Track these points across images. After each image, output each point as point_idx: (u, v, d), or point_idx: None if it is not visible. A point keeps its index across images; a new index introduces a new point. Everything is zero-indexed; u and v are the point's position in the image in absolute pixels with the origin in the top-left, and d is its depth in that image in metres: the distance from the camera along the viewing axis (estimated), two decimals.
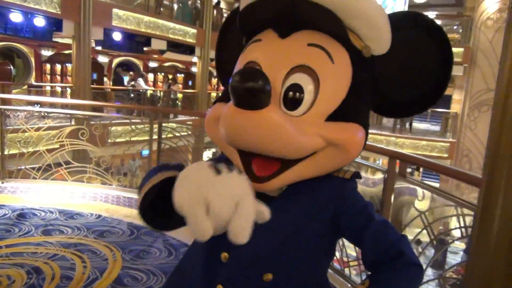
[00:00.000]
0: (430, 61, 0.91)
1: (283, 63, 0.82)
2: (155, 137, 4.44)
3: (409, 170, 15.72)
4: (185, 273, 0.99)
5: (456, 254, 7.90)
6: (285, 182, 0.85)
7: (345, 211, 0.85)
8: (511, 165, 1.34)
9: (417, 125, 17.07)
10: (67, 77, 15.23)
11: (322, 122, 0.82)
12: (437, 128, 16.33)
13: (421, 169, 12.84)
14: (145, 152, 4.51)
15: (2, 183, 4.49)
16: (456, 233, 2.14)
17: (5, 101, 4.66)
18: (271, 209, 0.79)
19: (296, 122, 0.80)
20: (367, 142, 0.95)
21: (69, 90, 11.99)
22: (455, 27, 17.25)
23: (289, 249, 0.86)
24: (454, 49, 12.74)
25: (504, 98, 1.39)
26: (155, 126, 4.42)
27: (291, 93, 0.82)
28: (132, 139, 5.25)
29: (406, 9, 9.11)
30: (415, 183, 2.36)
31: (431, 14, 16.99)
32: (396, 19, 0.89)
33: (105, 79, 15.77)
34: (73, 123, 5.93)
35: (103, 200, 4.20)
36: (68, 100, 5.42)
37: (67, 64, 14.98)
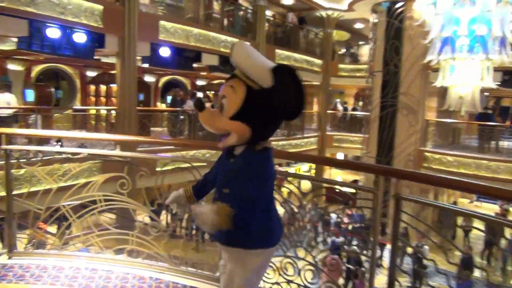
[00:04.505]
0: (294, 89, 1.61)
1: (221, 93, 1.68)
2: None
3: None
4: None
5: None
6: (224, 145, 1.71)
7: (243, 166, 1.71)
8: None
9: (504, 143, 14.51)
10: (112, 98, 14.30)
11: (227, 119, 1.64)
12: None
13: None
14: None
15: (9, 258, 3.06)
16: None
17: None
18: (236, 157, 1.72)
19: (211, 116, 1.69)
20: None
21: (114, 113, 10.86)
22: None
23: (234, 177, 1.70)
24: None
25: None
26: None
27: (220, 106, 1.68)
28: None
29: None
30: None
31: None
32: (274, 68, 1.61)
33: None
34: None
35: None
36: (96, 135, 4.05)
37: (112, 85, 14.07)
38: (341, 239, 8.57)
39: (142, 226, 3.04)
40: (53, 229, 5.83)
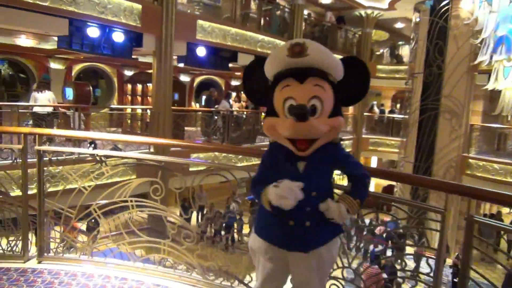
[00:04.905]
0: (358, 79, 1.75)
1: (306, 96, 1.62)
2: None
3: None
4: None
5: None
6: (312, 150, 1.66)
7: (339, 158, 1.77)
8: None
9: None
10: (148, 97, 14.44)
11: (327, 118, 1.65)
12: None
13: None
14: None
15: (39, 262, 2.97)
16: None
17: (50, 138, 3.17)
18: (309, 160, 1.69)
19: (317, 120, 1.62)
20: None
21: (149, 112, 10.91)
22: None
23: (319, 178, 1.73)
24: None
25: None
26: None
27: (312, 108, 1.62)
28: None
29: None
30: None
31: None
32: (345, 60, 1.72)
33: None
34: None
35: None
36: (130, 138, 3.88)
37: (148, 84, 14.20)
38: (379, 248, 8.18)
39: (175, 230, 2.85)
40: (84, 225, 5.80)
